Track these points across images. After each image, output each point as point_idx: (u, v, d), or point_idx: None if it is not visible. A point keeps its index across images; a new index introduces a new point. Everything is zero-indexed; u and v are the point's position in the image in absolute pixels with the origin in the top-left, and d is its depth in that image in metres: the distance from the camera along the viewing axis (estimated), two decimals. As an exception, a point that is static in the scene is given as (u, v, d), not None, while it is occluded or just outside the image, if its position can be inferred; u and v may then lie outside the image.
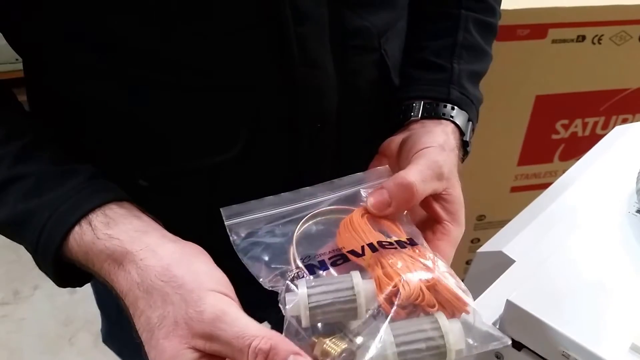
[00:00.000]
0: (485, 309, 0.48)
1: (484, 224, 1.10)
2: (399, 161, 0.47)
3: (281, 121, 0.47)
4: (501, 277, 0.51)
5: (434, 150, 0.45)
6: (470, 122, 0.53)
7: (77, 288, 0.45)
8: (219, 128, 0.46)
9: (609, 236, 0.52)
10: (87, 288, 0.68)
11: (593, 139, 0.69)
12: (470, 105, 0.53)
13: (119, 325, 0.68)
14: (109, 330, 0.71)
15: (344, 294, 0.35)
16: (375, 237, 0.39)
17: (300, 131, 0.48)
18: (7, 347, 1.52)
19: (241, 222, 0.41)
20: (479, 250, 0.58)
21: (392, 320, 0.34)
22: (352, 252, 0.38)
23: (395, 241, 0.39)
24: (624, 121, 1.04)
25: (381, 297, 0.34)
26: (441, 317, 0.34)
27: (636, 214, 0.55)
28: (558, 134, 1.03)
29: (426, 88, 0.53)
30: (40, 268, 0.44)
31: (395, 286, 0.34)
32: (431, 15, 0.57)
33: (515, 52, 0.90)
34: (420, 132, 0.49)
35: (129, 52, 0.43)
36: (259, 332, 0.34)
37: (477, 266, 0.59)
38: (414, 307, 0.35)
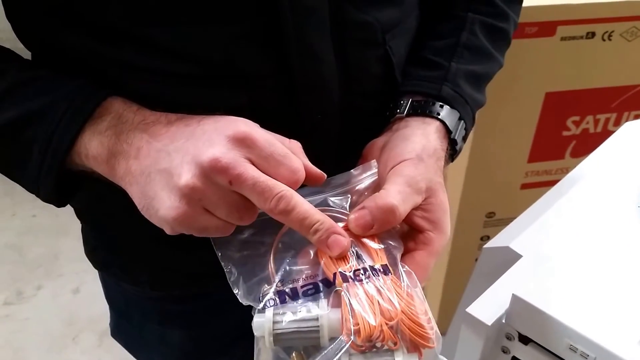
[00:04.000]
0: (492, 303, 0.48)
1: (494, 221, 1.09)
2: (378, 171, 0.47)
3: (281, 111, 0.47)
4: (508, 271, 0.50)
5: (410, 164, 0.45)
6: (463, 122, 0.51)
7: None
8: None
9: (617, 230, 0.52)
10: (90, 288, 0.68)
11: (604, 136, 0.68)
12: (464, 105, 0.52)
13: (126, 319, 0.69)
14: (117, 324, 0.71)
15: (308, 324, 0.37)
16: (349, 262, 0.40)
17: (301, 122, 0.48)
18: (11, 347, 1.53)
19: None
20: (485, 246, 0.57)
21: (352, 354, 0.36)
22: (325, 280, 0.40)
23: (370, 267, 0.40)
24: (636, 117, 1.02)
25: (343, 334, 0.36)
26: (399, 355, 0.36)
27: (646, 208, 0.54)
28: (569, 131, 1.02)
29: (418, 84, 0.52)
30: (39, 177, 0.43)
31: (356, 325, 0.36)
32: (438, 17, 0.57)
33: (524, 50, 0.88)
34: (398, 137, 0.48)
35: (125, 39, 0.43)
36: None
37: (484, 261, 0.59)
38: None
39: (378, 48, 0.51)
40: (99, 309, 0.71)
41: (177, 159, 0.38)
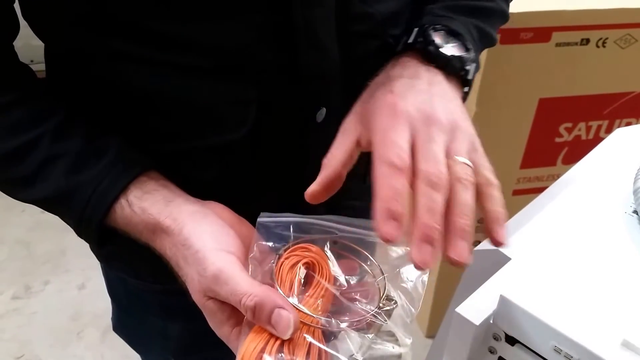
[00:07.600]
0: (480, 304, 0.48)
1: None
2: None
3: (286, 103, 0.48)
4: (496, 274, 0.51)
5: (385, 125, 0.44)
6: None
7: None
8: (228, 107, 0.47)
9: (604, 236, 0.52)
10: (95, 284, 0.70)
11: (596, 143, 0.68)
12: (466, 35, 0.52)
13: (128, 313, 0.70)
14: (119, 318, 0.72)
15: None
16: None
17: (305, 114, 0.49)
18: (17, 340, 1.54)
19: (269, 221, 0.44)
20: (475, 248, 0.58)
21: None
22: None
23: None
24: (628, 125, 1.02)
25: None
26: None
27: (632, 214, 0.55)
28: (561, 137, 1.02)
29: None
30: (80, 236, 0.50)
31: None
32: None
33: (519, 55, 0.89)
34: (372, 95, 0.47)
35: (137, 33, 0.44)
36: (248, 290, 0.38)
37: (473, 264, 0.59)
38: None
39: (379, 40, 0.52)
40: (103, 305, 0.72)
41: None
